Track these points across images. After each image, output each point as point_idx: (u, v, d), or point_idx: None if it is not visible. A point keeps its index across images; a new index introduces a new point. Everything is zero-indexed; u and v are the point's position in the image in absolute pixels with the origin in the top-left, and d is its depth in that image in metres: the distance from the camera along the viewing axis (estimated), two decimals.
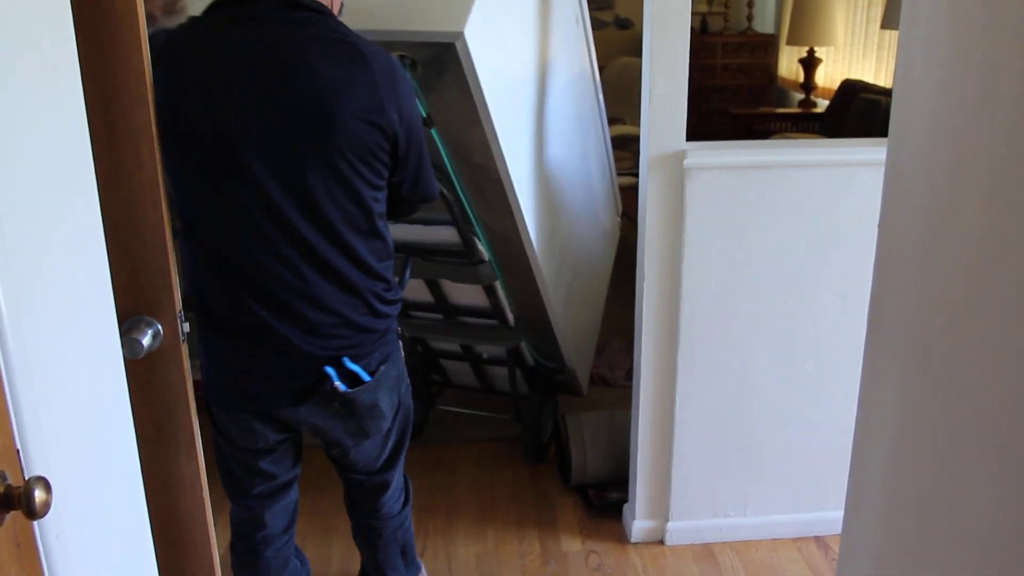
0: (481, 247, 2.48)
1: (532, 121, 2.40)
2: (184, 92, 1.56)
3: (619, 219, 3.71)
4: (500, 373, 3.12)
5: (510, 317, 2.80)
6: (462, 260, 2.52)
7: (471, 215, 2.40)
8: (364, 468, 1.94)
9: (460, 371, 3.26)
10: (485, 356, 3.06)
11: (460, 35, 1.83)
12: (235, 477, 1.89)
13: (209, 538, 1.70)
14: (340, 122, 1.56)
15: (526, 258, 2.52)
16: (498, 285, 2.65)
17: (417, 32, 1.87)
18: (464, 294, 2.73)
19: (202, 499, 1.66)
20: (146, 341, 1.49)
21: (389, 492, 2.00)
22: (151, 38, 1.46)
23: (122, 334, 1.46)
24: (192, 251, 1.69)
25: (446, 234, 2.44)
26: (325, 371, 1.68)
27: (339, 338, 1.70)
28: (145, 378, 1.54)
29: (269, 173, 1.58)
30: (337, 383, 1.69)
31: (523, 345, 2.93)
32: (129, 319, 1.49)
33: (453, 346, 3.05)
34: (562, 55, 2.62)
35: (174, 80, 1.56)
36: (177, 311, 1.53)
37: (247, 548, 1.97)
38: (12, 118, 1.16)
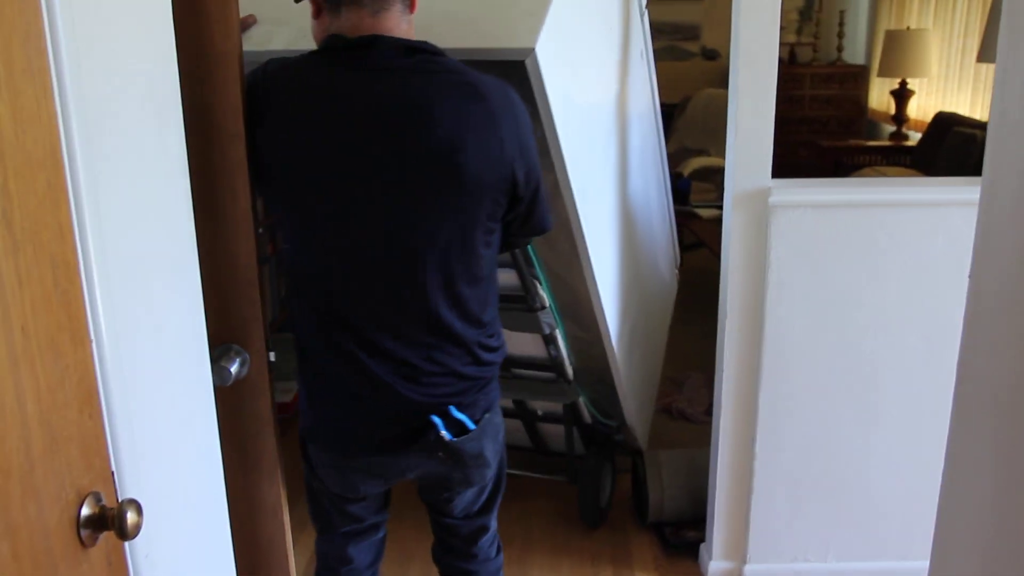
0: (542, 292, 2.31)
1: (601, 154, 2.29)
2: (304, 138, 1.54)
3: (677, 271, 3.57)
4: (555, 432, 2.91)
5: (569, 370, 2.57)
6: (521, 306, 2.32)
7: (533, 257, 2.25)
8: (462, 513, 1.87)
9: (511, 429, 2.78)
10: (540, 413, 2.87)
11: (531, 51, 1.71)
12: (324, 513, 1.87)
13: (289, 563, 1.73)
14: (464, 169, 1.51)
15: (591, 304, 2.35)
16: (558, 334, 2.44)
17: (484, 50, 1.75)
18: (521, 344, 2.51)
19: (283, 524, 1.70)
20: (234, 369, 1.53)
21: (486, 536, 1.93)
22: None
23: (212, 361, 1.51)
24: (299, 294, 1.68)
25: (504, 277, 2.21)
26: (431, 420, 1.63)
27: (444, 386, 1.65)
28: (232, 405, 1.58)
29: (392, 222, 1.54)
30: (443, 432, 1.63)
31: (581, 401, 2.70)
32: (219, 347, 1.54)
33: (506, 402, 2.77)
34: (629, 89, 2.52)
35: (290, 124, 1.54)
36: (264, 340, 1.58)
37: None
38: (121, 152, 1.21)
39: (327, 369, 1.66)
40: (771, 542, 2.59)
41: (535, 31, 1.71)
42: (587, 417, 2.76)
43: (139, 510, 1.09)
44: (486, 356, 1.68)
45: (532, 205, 1.65)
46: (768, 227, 2.32)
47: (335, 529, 1.87)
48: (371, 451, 1.68)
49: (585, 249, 2.16)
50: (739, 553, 2.62)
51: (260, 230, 3.27)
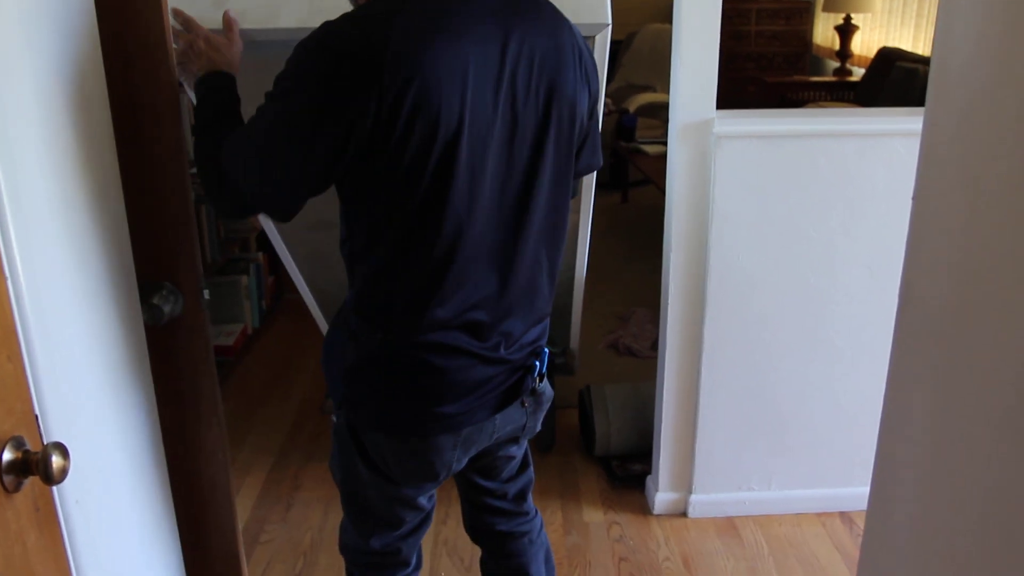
0: None
1: None
2: (472, 93, 1.32)
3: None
4: None
5: None
6: None
7: None
8: (514, 470, 1.78)
9: None
10: None
11: (606, 26, 1.90)
12: (378, 515, 1.66)
13: (232, 506, 1.71)
14: (567, 98, 1.41)
15: (576, 238, 2.48)
16: None
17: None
18: None
19: (225, 465, 1.67)
20: (167, 308, 1.49)
21: (532, 486, 1.85)
22: (337, 35, 1.28)
23: (144, 300, 1.46)
24: (408, 263, 1.41)
25: None
26: (533, 364, 1.54)
27: (539, 334, 1.57)
28: (167, 345, 1.53)
29: (531, 167, 1.42)
30: (536, 376, 1.55)
31: None
32: (151, 285, 1.49)
33: None
34: None
35: (455, 82, 1.29)
36: (198, 279, 1.53)
37: None
38: (32, 79, 1.15)
39: (432, 344, 1.44)
40: (716, 473, 2.63)
41: (604, 5, 1.89)
42: None
43: (65, 454, 1.05)
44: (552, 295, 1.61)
45: (596, 129, 1.59)
46: (712, 159, 2.31)
47: (398, 525, 1.68)
48: (471, 421, 1.51)
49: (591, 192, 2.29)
50: (684, 484, 2.66)
51: (195, 170, 3.20)
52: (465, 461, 1.58)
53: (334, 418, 1.59)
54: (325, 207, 2.21)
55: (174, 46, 1.46)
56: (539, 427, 1.68)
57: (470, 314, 1.43)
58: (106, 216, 1.38)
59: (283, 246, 2.56)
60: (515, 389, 1.54)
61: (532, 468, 1.83)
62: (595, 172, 1.79)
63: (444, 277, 1.39)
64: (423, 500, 1.66)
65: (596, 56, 1.92)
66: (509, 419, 1.56)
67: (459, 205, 1.35)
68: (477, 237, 1.39)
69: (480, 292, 1.43)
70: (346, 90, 1.26)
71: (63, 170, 1.25)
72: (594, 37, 1.94)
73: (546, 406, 1.65)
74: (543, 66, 1.38)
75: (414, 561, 1.77)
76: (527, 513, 1.84)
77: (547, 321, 1.60)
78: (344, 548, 1.76)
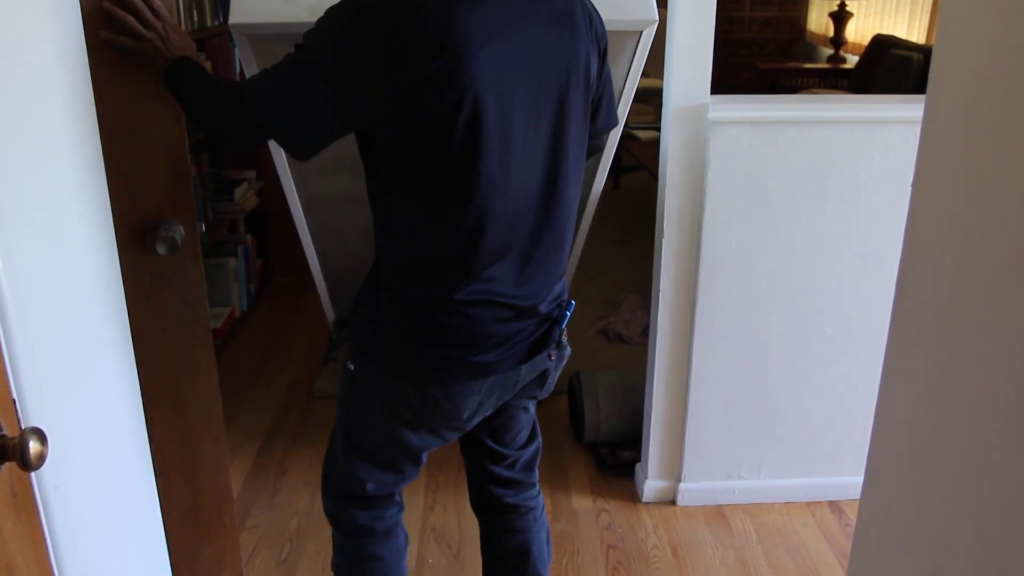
0: None
1: None
2: (509, 59, 1.39)
3: None
4: None
5: None
6: None
7: None
8: (520, 439, 1.79)
9: None
10: None
11: (654, 23, 2.09)
12: (382, 462, 1.69)
13: (220, 424, 1.73)
14: (581, 60, 1.48)
15: (579, 219, 2.61)
16: None
17: (612, 21, 1.93)
18: None
19: (214, 385, 1.69)
20: (177, 238, 1.53)
21: (539, 457, 1.86)
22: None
23: (157, 236, 1.52)
24: (443, 222, 1.46)
25: None
26: (562, 315, 1.60)
27: (560, 289, 1.64)
28: (168, 276, 1.58)
29: (543, 127, 1.46)
30: (562, 328, 1.61)
31: None
32: (155, 223, 1.53)
33: None
34: None
35: (498, 48, 1.37)
36: (195, 211, 1.58)
37: (375, 531, 1.78)
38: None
39: (471, 299, 1.49)
40: (705, 461, 2.62)
41: (651, 3, 2.07)
42: None
43: (43, 439, 1.03)
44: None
45: (610, 89, 1.64)
46: (706, 144, 2.28)
47: (397, 474, 1.72)
48: (500, 370, 1.56)
49: (607, 161, 2.48)
50: (674, 472, 2.65)
51: None
52: (489, 410, 1.62)
53: (350, 366, 1.62)
54: (350, 184, 2.28)
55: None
56: (554, 385, 1.71)
57: (505, 269, 1.49)
58: (89, 193, 1.35)
59: (303, 220, 2.62)
60: (543, 340, 1.59)
61: (540, 438, 1.85)
62: (610, 140, 1.86)
63: (480, 236, 1.44)
64: (425, 455, 1.69)
65: (639, 51, 2.13)
66: (533, 369, 1.61)
67: (492, 164, 1.40)
68: (511, 195, 1.44)
69: (515, 248, 1.49)
70: (379, 49, 1.32)
71: (42, 148, 1.22)
72: (640, 32, 2.09)
73: (565, 361, 1.69)
74: (560, 27, 1.44)
75: (401, 503, 1.81)
76: (534, 486, 1.86)
77: (565, 275, 1.67)
78: (332, 495, 1.79)
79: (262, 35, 2.03)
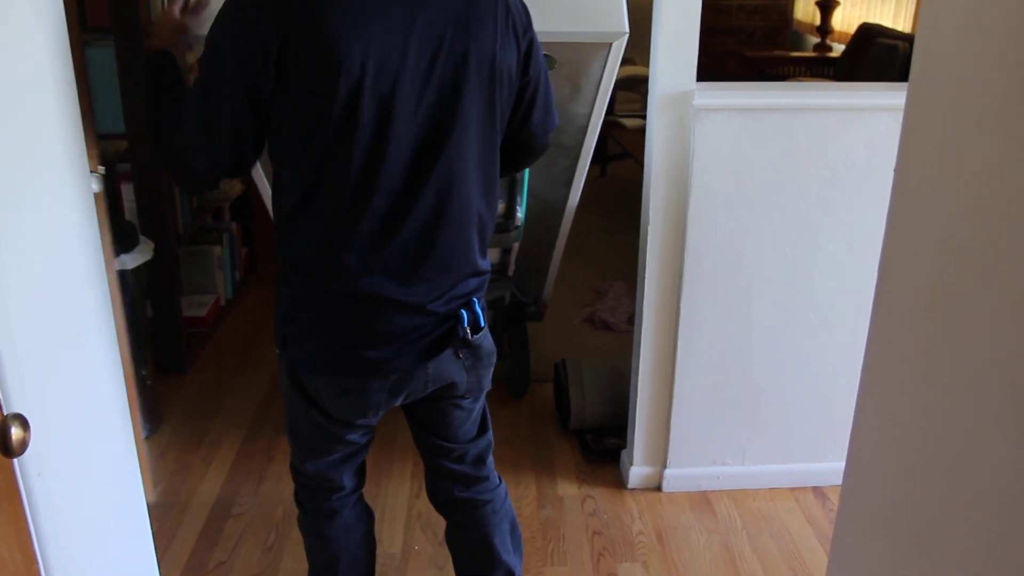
0: (520, 214, 2.52)
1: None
2: (378, 36, 1.38)
3: None
4: None
5: (511, 269, 2.80)
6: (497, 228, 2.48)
7: (526, 187, 2.50)
8: (469, 433, 1.77)
9: None
10: None
11: (624, 34, 2.12)
12: (318, 442, 1.71)
13: None
14: (486, 53, 1.46)
15: (560, 218, 2.71)
16: (516, 245, 2.65)
17: (582, 33, 2.08)
18: None
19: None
20: None
21: (491, 452, 1.84)
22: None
23: None
24: (318, 210, 1.47)
25: None
26: (460, 314, 1.57)
27: (467, 286, 1.59)
28: None
29: (434, 120, 1.45)
30: (466, 327, 1.57)
31: (512, 289, 2.96)
32: None
33: None
34: None
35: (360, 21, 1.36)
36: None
37: (321, 511, 1.81)
38: None
39: (351, 292, 1.49)
40: (690, 447, 2.63)
41: (621, 17, 2.10)
42: (507, 299, 2.99)
43: (25, 425, 1.03)
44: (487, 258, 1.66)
45: (544, 88, 1.61)
46: (692, 131, 2.28)
47: (328, 455, 1.73)
48: (400, 366, 1.55)
49: (581, 177, 2.53)
50: (659, 458, 2.66)
51: None
52: (397, 403, 1.62)
53: (277, 351, 1.64)
54: None
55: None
56: (487, 384, 1.70)
57: (390, 263, 1.48)
58: (71, 176, 1.35)
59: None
60: (444, 339, 1.57)
61: (491, 432, 1.82)
62: (585, 146, 1.84)
63: (355, 225, 1.44)
64: (355, 436, 1.70)
65: (610, 62, 2.17)
66: (443, 370, 1.59)
67: (366, 153, 1.40)
68: (384, 190, 1.43)
69: (399, 245, 1.47)
70: (247, 38, 1.34)
71: (25, 130, 1.21)
72: (610, 44, 2.12)
73: (488, 361, 1.67)
74: (457, 21, 1.42)
75: (349, 485, 1.80)
76: (487, 478, 1.83)
77: (486, 276, 1.64)
78: (291, 467, 1.82)
79: None
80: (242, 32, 1.35)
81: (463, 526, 1.86)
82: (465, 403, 1.72)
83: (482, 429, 1.81)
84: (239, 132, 1.42)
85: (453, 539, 1.90)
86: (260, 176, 2.47)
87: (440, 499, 1.86)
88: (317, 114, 1.37)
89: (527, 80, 1.56)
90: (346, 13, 1.34)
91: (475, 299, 1.60)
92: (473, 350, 1.61)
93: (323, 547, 1.84)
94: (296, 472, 1.80)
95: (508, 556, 1.85)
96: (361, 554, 1.88)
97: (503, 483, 1.88)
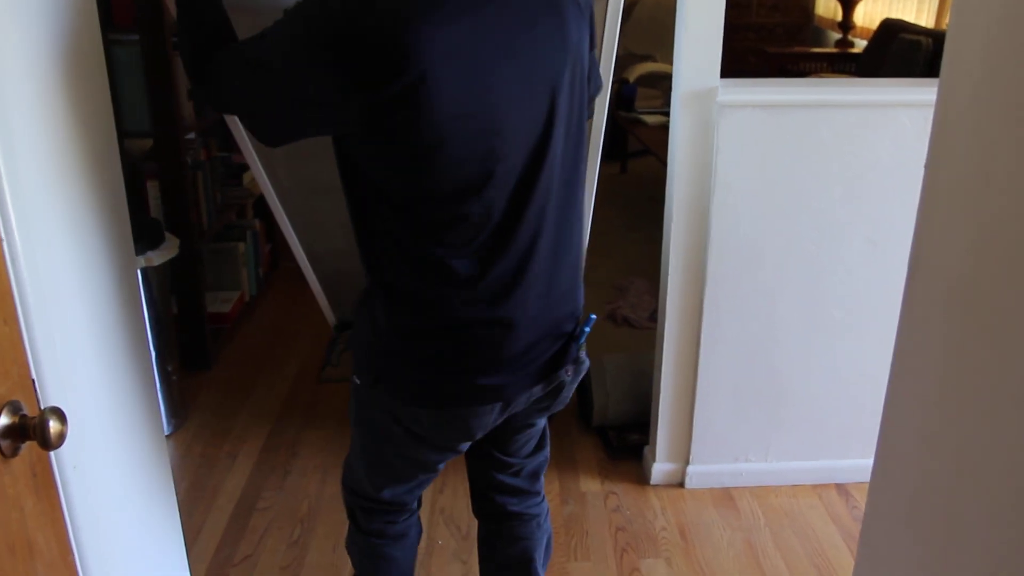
0: None
1: None
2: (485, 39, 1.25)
3: None
4: None
5: None
6: None
7: None
8: (528, 449, 1.72)
9: None
10: None
11: None
12: (395, 473, 1.65)
13: None
14: (576, 40, 1.36)
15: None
16: None
17: None
18: None
19: None
20: None
21: (546, 466, 1.80)
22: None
23: None
24: (435, 246, 1.34)
25: None
26: (581, 330, 1.51)
27: (577, 299, 1.53)
28: None
29: (537, 128, 1.34)
30: (580, 344, 1.51)
31: None
32: None
33: None
34: None
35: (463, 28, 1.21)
36: None
37: (387, 533, 1.76)
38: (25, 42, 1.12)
39: (472, 319, 1.39)
40: (713, 443, 2.63)
41: None
42: None
43: (62, 418, 1.04)
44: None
45: (594, 57, 1.50)
46: (715, 127, 2.28)
47: (411, 481, 1.68)
48: (517, 391, 1.48)
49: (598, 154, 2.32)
50: (682, 455, 2.66)
51: (192, 135, 3.15)
52: (501, 420, 1.54)
53: (356, 380, 1.54)
54: (324, 170, 2.14)
55: None
56: (569, 398, 1.61)
57: (502, 286, 1.38)
58: (103, 176, 1.36)
59: (282, 213, 2.47)
60: (559, 357, 1.50)
61: (549, 448, 1.78)
62: (600, 144, 1.79)
63: (469, 252, 1.34)
64: (446, 459, 1.64)
65: (609, 19, 1.89)
66: (549, 385, 1.52)
67: (489, 188, 1.30)
68: (505, 211, 1.34)
69: (513, 263, 1.37)
70: (344, 60, 1.18)
71: (58, 131, 1.23)
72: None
73: (582, 375, 1.60)
74: (546, 19, 1.30)
75: (415, 505, 1.79)
76: (539, 494, 1.79)
77: (582, 283, 1.56)
78: (349, 490, 1.76)
79: None
80: (336, 48, 1.20)
81: (507, 538, 1.80)
82: (540, 419, 1.66)
83: (541, 444, 1.75)
84: (295, 129, 1.32)
85: (492, 549, 1.85)
86: (260, 174, 2.22)
87: (487, 510, 1.81)
88: (429, 151, 1.25)
89: (592, 55, 1.45)
90: (437, 44, 1.19)
91: (592, 314, 1.54)
92: (578, 366, 1.55)
93: (386, 568, 1.80)
94: (363, 499, 1.73)
95: (542, 571, 1.83)
96: (412, 564, 1.87)
97: (546, 499, 1.84)
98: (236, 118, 1.72)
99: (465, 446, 1.61)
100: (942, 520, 1.02)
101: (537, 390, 1.50)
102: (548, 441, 1.77)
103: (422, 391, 1.45)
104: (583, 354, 1.55)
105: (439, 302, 1.37)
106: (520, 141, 1.32)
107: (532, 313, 1.42)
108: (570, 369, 1.53)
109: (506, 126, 1.28)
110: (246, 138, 2.04)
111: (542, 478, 1.79)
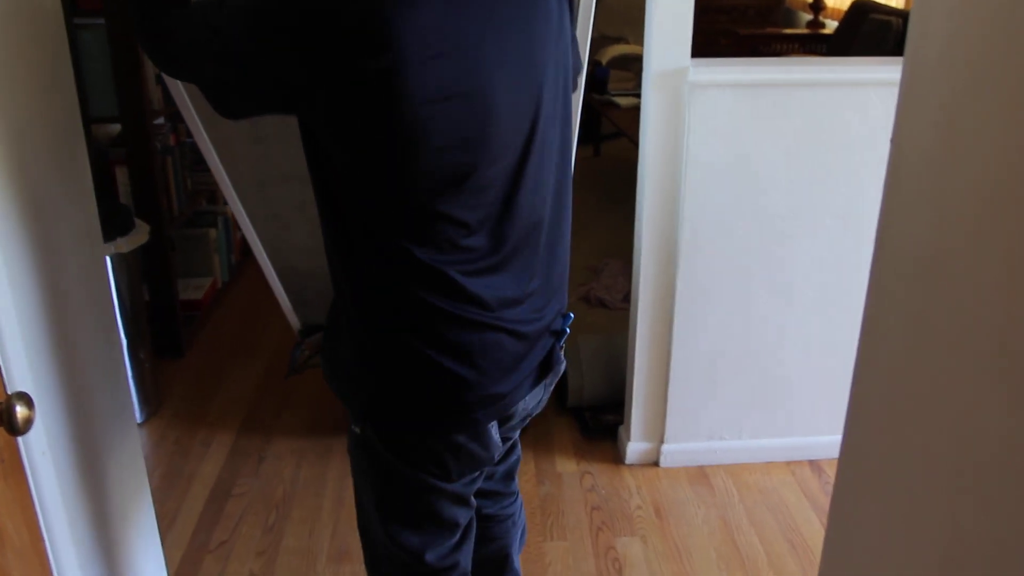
0: None
1: None
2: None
3: None
4: None
5: None
6: None
7: None
8: (510, 446, 1.60)
9: None
10: None
11: None
12: (435, 522, 1.44)
13: None
14: (557, 21, 1.28)
15: None
16: None
17: None
18: None
19: None
20: None
21: (519, 465, 1.71)
22: None
23: None
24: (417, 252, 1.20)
25: None
26: (562, 331, 1.40)
27: (564, 293, 1.43)
28: None
29: (550, 102, 1.27)
30: (561, 344, 1.42)
31: None
32: None
33: None
34: None
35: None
36: None
37: None
38: None
39: (481, 323, 1.26)
40: (688, 422, 2.65)
41: None
42: None
43: (29, 403, 1.03)
44: None
45: (573, 30, 1.40)
46: (686, 107, 2.29)
47: (454, 531, 1.47)
48: (515, 399, 1.36)
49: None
50: (657, 434, 2.68)
51: (161, 120, 3.11)
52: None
53: (355, 429, 1.38)
54: (282, 161, 2.06)
55: None
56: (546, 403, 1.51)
57: (504, 280, 1.27)
58: (67, 162, 1.35)
59: (241, 209, 2.25)
60: (548, 360, 1.39)
61: (520, 447, 1.69)
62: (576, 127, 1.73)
63: (472, 240, 1.23)
64: (474, 500, 1.49)
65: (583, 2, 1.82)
66: (535, 394, 1.41)
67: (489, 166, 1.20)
68: (534, 201, 1.26)
69: (515, 255, 1.28)
70: (321, 39, 1.08)
71: (19, 117, 1.21)
72: None
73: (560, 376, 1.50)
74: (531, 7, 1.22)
75: (468, 565, 1.56)
76: (514, 494, 1.72)
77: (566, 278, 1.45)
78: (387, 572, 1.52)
79: None
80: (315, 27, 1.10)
81: (482, 539, 1.70)
82: (521, 427, 1.54)
83: (513, 445, 1.65)
84: (259, 103, 1.21)
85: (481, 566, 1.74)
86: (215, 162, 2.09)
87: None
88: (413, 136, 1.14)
89: (572, 30, 1.37)
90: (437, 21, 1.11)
91: (569, 314, 1.44)
92: (556, 368, 1.42)
93: None
94: (408, 569, 1.48)
95: (518, 562, 1.78)
96: None
97: (520, 496, 1.78)
98: (187, 102, 1.67)
99: (482, 473, 1.47)
100: (908, 487, 1.03)
101: (537, 391, 1.40)
102: (519, 440, 1.66)
103: (432, 415, 1.30)
104: (561, 354, 1.45)
105: (431, 304, 1.22)
106: (513, 127, 1.21)
107: (538, 314, 1.34)
108: (560, 369, 1.44)
109: (496, 109, 1.17)
110: (200, 127, 1.94)
111: (516, 478, 1.72)
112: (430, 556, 1.44)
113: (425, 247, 1.19)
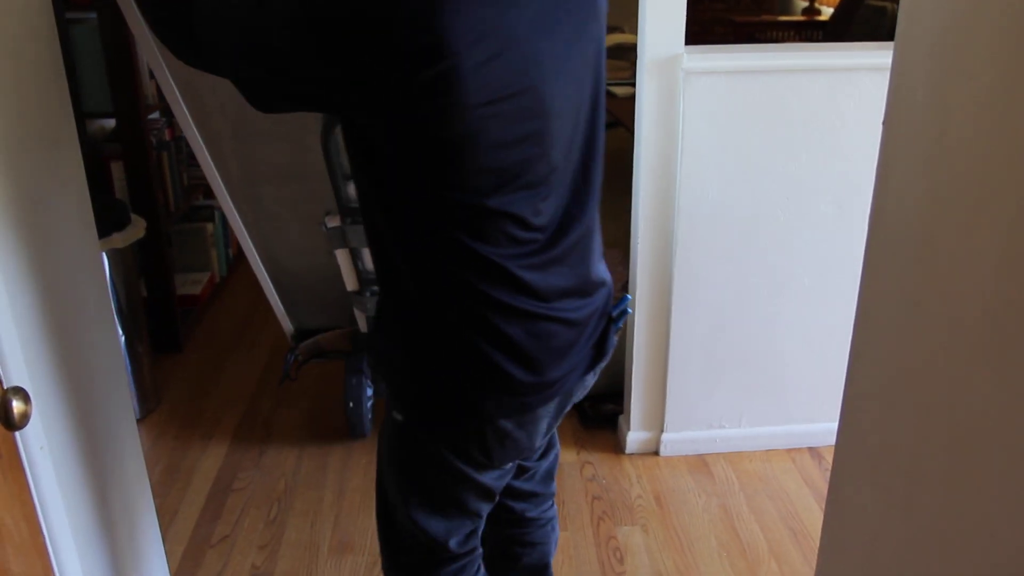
0: None
1: None
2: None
3: None
4: None
5: None
6: None
7: None
8: (540, 448, 1.58)
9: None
10: None
11: None
12: (464, 512, 1.45)
13: None
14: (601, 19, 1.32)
15: None
16: None
17: None
18: None
19: None
20: None
21: (557, 464, 1.71)
22: None
23: None
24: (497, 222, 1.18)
25: None
26: (614, 313, 1.40)
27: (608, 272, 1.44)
28: None
29: (584, 103, 1.30)
30: (619, 326, 1.41)
31: None
32: None
33: None
34: None
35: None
36: None
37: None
38: None
39: (530, 312, 1.25)
40: (687, 411, 2.65)
41: None
42: None
43: (26, 398, 1.03)
44: None
45: None
46: (681, 95, 2.28)
47: (479, 517, 1.49)
48: (571, 382, 1.35)
49: None
50: (656, 423, 2.68)
51: (156, 115, 3.10)
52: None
53: (397, 416, 1.36)
54: (274, 159, 2.04)
55: None
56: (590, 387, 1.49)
57: (555, 279, 1.27)
58: (60, 158, 1.34)
59: (232, 208, 2.27)
60: (602, 341, 1.39)
61: (559, 445, 1.67)
62: None
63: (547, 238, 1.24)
64: (510, 476, 1.49)
65: None
66: (586, 381, 1.41)
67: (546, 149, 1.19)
68: (567, 177, 1.27)
69: (563, 234, 1.28)
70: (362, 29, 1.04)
71: (10, 113, 1.21)
72: None
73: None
74: (583, 15, 1.25)
75: (479, 545, 1.57)
76: (552, 496, 1.71)
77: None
78: (407, 567, 1.53)
79: None
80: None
81: (525, 544, 1.70)
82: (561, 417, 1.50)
83: (551, 443, 1.63)
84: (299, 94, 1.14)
85: (509, 560, 1.73)
86: (207, 161, 2.09)
87: (503, 518, 1.67)
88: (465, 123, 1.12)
89: None
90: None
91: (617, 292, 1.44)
92: (609, 353, 1.42)
93: None
94: (430, 565, 1.50)
95: (551, 570, 1.77)
96: None
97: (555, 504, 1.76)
98: (178, 99, 1.65)
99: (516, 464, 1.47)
100: (904, 469, 1.03)
101: (588, 377, 1.39)
102: (557, 438, 1.65)
103: (481, 404, 1.28)
104: (615, 339, 1.44)
105: (486, 291, 1.21)
106: (569, 122, 1.22)
107: (591, 296, 1.35)
108: (610, 353, 1.41)
109: (552, 104, 1.16)
110: (191, 124, 1.92)
111: (554, 480, 1.71)
112: (453, 542, 1.46)
113: (481, 241, 1.17)
